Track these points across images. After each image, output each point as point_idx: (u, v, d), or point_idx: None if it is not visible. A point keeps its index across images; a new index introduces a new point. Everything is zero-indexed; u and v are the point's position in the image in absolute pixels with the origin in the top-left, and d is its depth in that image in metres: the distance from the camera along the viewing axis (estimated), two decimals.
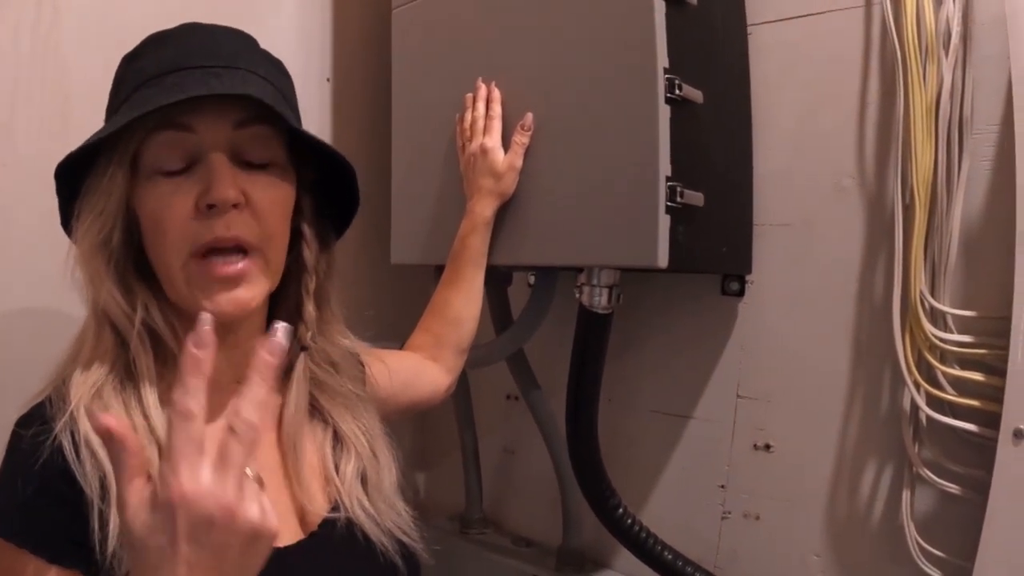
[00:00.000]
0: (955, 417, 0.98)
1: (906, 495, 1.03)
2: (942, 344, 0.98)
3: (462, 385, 1.44)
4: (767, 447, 1.18)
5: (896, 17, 1.00)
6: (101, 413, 0.51)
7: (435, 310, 1.06)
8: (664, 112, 0.96)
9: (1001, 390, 0.90)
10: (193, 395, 0.48)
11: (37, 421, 0.61)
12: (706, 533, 1.24)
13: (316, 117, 1.41)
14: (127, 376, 0.65)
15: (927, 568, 1.01)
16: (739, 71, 1.16)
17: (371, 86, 1.46)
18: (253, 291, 0.66)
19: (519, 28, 1.10)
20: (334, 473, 0.73)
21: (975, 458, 0.96)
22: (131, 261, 0.67)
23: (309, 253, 0.73)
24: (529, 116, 1.07)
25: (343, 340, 0.79)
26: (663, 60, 0.95)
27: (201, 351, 0.48)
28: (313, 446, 0.74)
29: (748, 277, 1.20)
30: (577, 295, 1.08)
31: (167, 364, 0.66)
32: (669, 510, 1.29)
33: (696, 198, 0.99)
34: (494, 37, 1.13)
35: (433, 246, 1.21)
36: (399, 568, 0.71)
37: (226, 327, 0.68)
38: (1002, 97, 0.96)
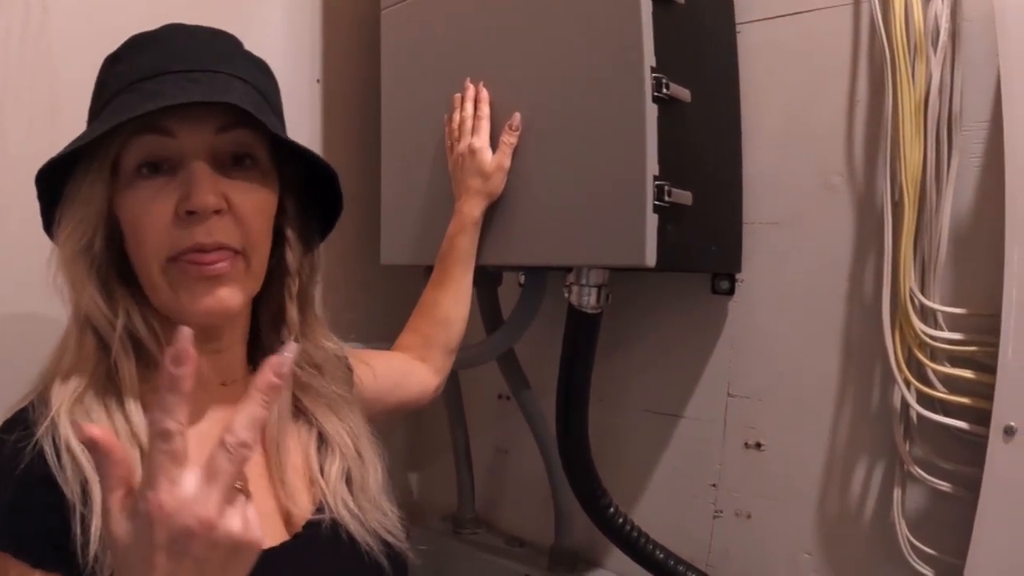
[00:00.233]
0: (946, 414, 0.98)
1: (897, 493, 1.03)
2: (932, 341, 0.98)
3: (453, 385, 1.44)
4: (758, 446, 1.18)
5: (885, 15, 1.00)
6: (85, 423, 0.51)
7: (423, 310, 1.05)
8: (651, 111, 0.95)
9: (991, 387, 0.90)
10: (172, 413, 0.47)
11: (19, 426, 0.61)
12: (697, 532, 1.24)
13: (306, 118, 1.41)
14: (109, 381, 0.65)
15: (918, 566, 1.01)
16: (727, 69, 1.16)
17: (361, 87, 1.46)
18: (234, 292, 0.66)
19: (507, 28, 1.10)
20: (319, 474, 0.73)
21: (966, 455, 0.96)
22: (113, 266, 0.66)
23: (292, 256, 0.73)
24: (517, 116, 1.07)
25: (326, 343, 0.79)
26: (650, 59, 0.95)
27: (179, 369, 0.48)
28: (297, 447, 0.74)
29: (738, 276, 1.19)
30: (566, 295, 1.07)
31: (149, 367, 0.67)
32: (660, 509, 1.29)
33: (684, 197, 0.99)
34: (482, 37, 1.13)
35: (423, 247, 1.21)
36: (385, 568, 0.71)
37: (208, 333, 0.69)
38: (991, 94, 0.96)
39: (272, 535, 0.66)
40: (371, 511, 0.73)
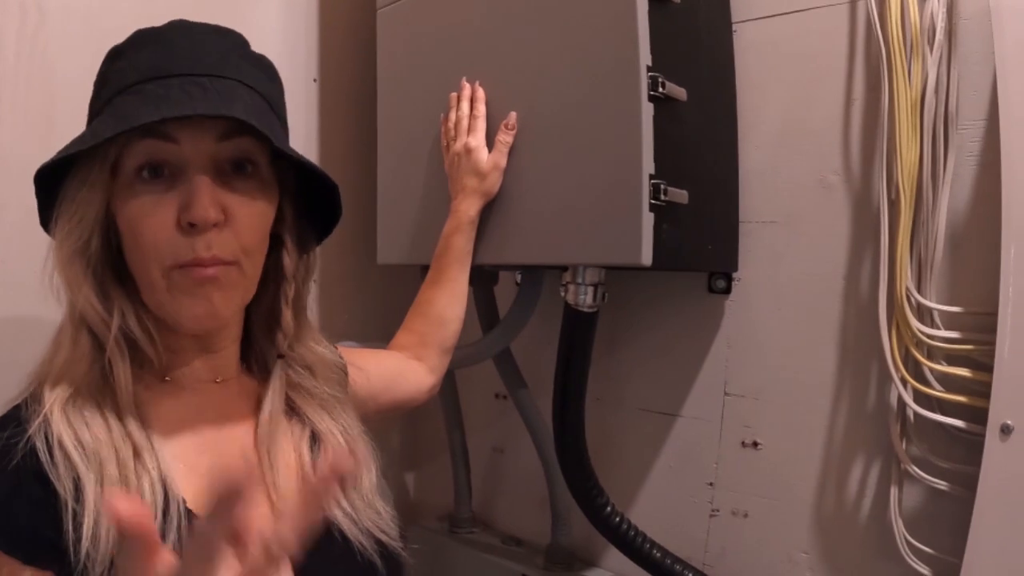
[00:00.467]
0: (942, 413, 0.98)
1: (894, 491, 1.03)
2: (929, 340, 0.98)
3: (450, 384, 1.44)
4: (755, 444, 1.18)
5: (881, 13, 1.00)
6: (117, 495, 0.47)
7: (419, 309, 1.05)
8: (647, 110, 0.95)
9: (988, 386, 0.90)
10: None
11: (12, 424, 0.61)
12: (694, 531, 1.24)
13: (303, 118, 1.41)
14: (103, 380, 0.65)
15: (915, 564, 1.01)
16: (724, 68, 1.16)
17: (357, 86, 1.46)
18: (228, 299, 0.66)
19: (503, 27, 1.09)
20: (311, 473, 0.73)
21: (963, 454, 0.97)
22: (109, 266, 0.66)
23: (288, 260, 0.73)
24: (513, 115, 1.06)
25: (317, 346, 0.79)
26: (646, 58, 0.95)
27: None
28: (290, 445, 0.74)
29: (734, 275, 1.19)
30: (562, 293, 1.07)
31: (143, 367, 0.67)
32: (657, 508, 1.29)
33: (680, 196, 0.99)
34: (478, 36, 1.13)
35: (419, 246, 1.21)
36: (378, 567, 0.70)
37: (201, 337, 0.70)
38: (987, 92, 0.96)
39: None
40: (364, 510, 0.72)
